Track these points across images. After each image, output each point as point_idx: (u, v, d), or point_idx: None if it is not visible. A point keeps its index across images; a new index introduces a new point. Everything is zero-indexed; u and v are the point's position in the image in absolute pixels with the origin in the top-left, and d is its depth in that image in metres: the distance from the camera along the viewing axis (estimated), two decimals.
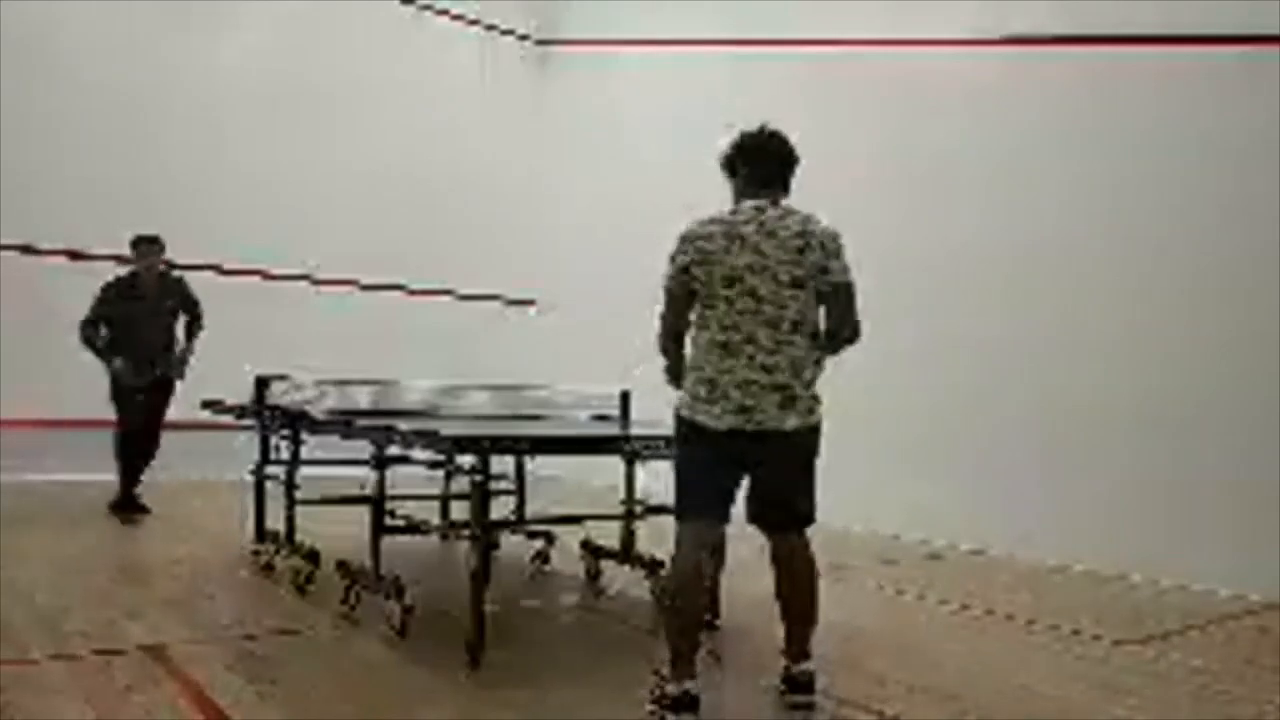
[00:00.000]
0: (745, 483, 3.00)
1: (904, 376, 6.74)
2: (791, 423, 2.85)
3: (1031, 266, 6.21)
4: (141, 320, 5.93)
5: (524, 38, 10.73)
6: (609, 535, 4.66)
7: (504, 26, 10.61)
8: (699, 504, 2.92)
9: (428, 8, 10.07)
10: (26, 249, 7.71)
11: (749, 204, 2.96)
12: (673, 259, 2.96)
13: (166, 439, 6.53)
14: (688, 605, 2.85)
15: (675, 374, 3.06)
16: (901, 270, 6.87)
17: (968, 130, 6.64)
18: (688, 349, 3.01)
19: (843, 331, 2.98)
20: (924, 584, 5.14)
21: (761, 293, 2.83)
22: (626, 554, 4.64)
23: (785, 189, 3.04)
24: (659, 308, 3.03)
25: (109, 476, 6.50)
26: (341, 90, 9.40)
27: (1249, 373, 5.16)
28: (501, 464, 4.32)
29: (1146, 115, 5.74)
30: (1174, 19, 5.62)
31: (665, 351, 3.06)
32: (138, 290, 5.97)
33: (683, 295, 2.95)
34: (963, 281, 6.56)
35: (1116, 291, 5.81)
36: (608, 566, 4.77)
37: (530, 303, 10.33)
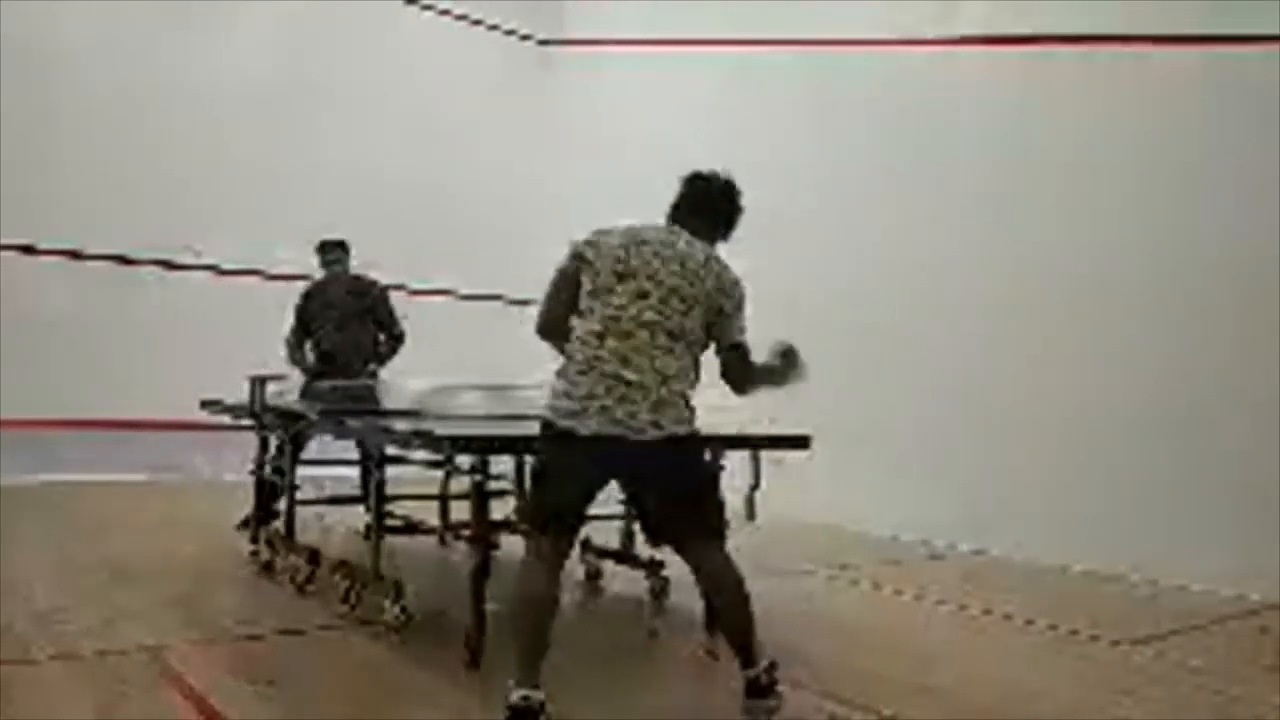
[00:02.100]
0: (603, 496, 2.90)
1: (904, 377, 6.75)
2: (659, 431, 2.72)
3: (1032, 267, 6.20)
4: (325, 319, 5.80)
5: (525, 38, 10.72)
6: (609, 535, 4.66)
7: (504, 26, 10.60)
8: (546, 515, 2.81)
9: (429, 8, 10.07)
10: (26, 249, 7.72)
11: (658, 225, 2.94)
12: (571, 248, 2.90)
13: (166, 438, 6.53)
14: (536, 619, 2.72)
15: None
16: (902, 271, 6.89)
17: (969, 130, 6.64)
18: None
19: (741, 390, 2.95)
20: (924, 584, 5.14)
21: (649, 296, 2.75)
22: (626, 554, 4.64)
23: (708, 238, 2.97)
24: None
25: (109, 476, 6.51)
26: (341, 90, 9.40)
27: (1249, 373, 5.15)
28: (501, 464, 4.32)
29: (1146, 116, 5.74)
30: (1175, 19, 5.62)
31: (547, 337, 2.98)
32: (327, 296, 5.89)
33: (567, 284, 2.87)
34: (963, 282, 6.56)
35: (1117, 292, 5.81)
36: (607, 566, 4.77)
37: (530, 303, 10.33)
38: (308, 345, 5.89)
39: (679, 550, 2.93)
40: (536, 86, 10.58)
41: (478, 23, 10.41)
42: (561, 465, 2.78)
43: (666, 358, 2.76)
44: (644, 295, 2.75)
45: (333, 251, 5.99)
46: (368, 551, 3.97)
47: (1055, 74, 6.19)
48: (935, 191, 6.80)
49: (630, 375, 2.71)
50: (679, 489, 2.85)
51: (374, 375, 5.86)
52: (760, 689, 2.85)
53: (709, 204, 3.03)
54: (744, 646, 2.87)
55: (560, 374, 2.81)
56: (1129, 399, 5.63)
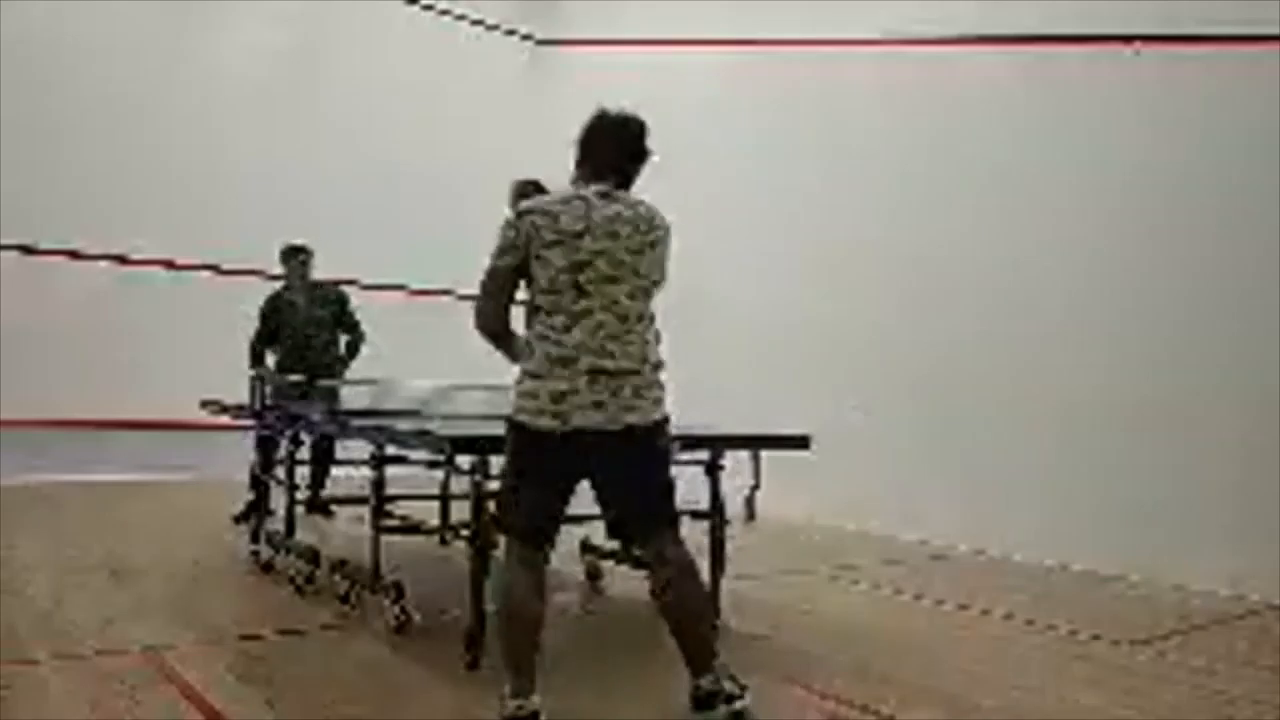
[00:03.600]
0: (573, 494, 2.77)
1: (903, 377, 6.75)
2: (644, 416, 2.64)
3: (1032, 267, 6.21)
4: (295, 328, 5.92)
5: (525, 38, 10.73)
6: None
7: (505, 27, 10.61)
8: (534, 523, 2.69)
9: (429, 8, 10.07)
10: (26, 249, 7.71)
11: (594, 187, 2.72)
12: (503, 240, 2.68)
13: (165, 438, 6.52)
14: (528, 635, 2.62)
15: (516, 353, 2.76)
16: (902, 270, 6.89)
17: (967, 130, 6.64)
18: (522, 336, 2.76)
19: None
20: (924, 584, 5.14)
21: (615, 279, 2.63)
22: (626, 554, 4.64)
23: (629, 183, 2.79)
24: (478, 290, 2.73)
25: (108, 476, 6.49)
26: (341, 90, 9.40)
27: (1249, 373, 5.15)
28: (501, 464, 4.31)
29: (1144, 114, 5.74)
30: (1174, 19, 5.62)
31: (495, 337, 2.76)
32: (289, 299, 5.98)
33: (511, 275, 2.68)
34: (963, 281, 6.56)
35: (1117, 292, 5.81)
36: (608, 566, 4.77)
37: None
38: (270, 354, 5.96)
39: (641, 543, 2.80)
40: (535, 86, 10.59)
41: (477, 22, 10.41)
42: (542, 467, 2.66)
43: (640, 340, 2.67)
44: (612, 280, 2.63)
45: (297, 256, 6.01)
46: (367, 550, 3.96)
47: (1053, 73, 6.19)
48: (934, 191, 6.80)
49: (610, 365, 2.60)
50: (657, 475, 2.74)
51: (340, 376, 5.96)
52: (709, 699, 2.67)
53: (636, 154, 2.80)
54: (702, 646, 2.70)
55: (530, 372, 2.64)
56: (1129, 399, 5.63)
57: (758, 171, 7.79)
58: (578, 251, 2.61)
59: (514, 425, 2.68)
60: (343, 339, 6.17)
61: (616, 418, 2.61)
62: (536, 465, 2.67)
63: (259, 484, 5.31)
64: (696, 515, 3.66)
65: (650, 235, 2.72)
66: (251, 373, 5.32)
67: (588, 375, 2.59)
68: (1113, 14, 5.89)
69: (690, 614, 2.72)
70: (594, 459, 2.66)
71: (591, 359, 2.60)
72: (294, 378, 5.50)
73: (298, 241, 6.09)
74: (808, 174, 7.49)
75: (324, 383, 5.36)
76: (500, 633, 2.69)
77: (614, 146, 2.79)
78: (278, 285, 6.21)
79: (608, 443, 2.62)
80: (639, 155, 2.81)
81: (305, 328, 5.93)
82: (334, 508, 5.87)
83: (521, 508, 2.70)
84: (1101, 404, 5.75)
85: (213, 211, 8.40)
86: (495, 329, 2.75)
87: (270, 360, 5.93)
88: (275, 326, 5.93)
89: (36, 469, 7.03)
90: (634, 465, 2.70)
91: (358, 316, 6.20)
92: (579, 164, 2.81)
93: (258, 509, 5.09)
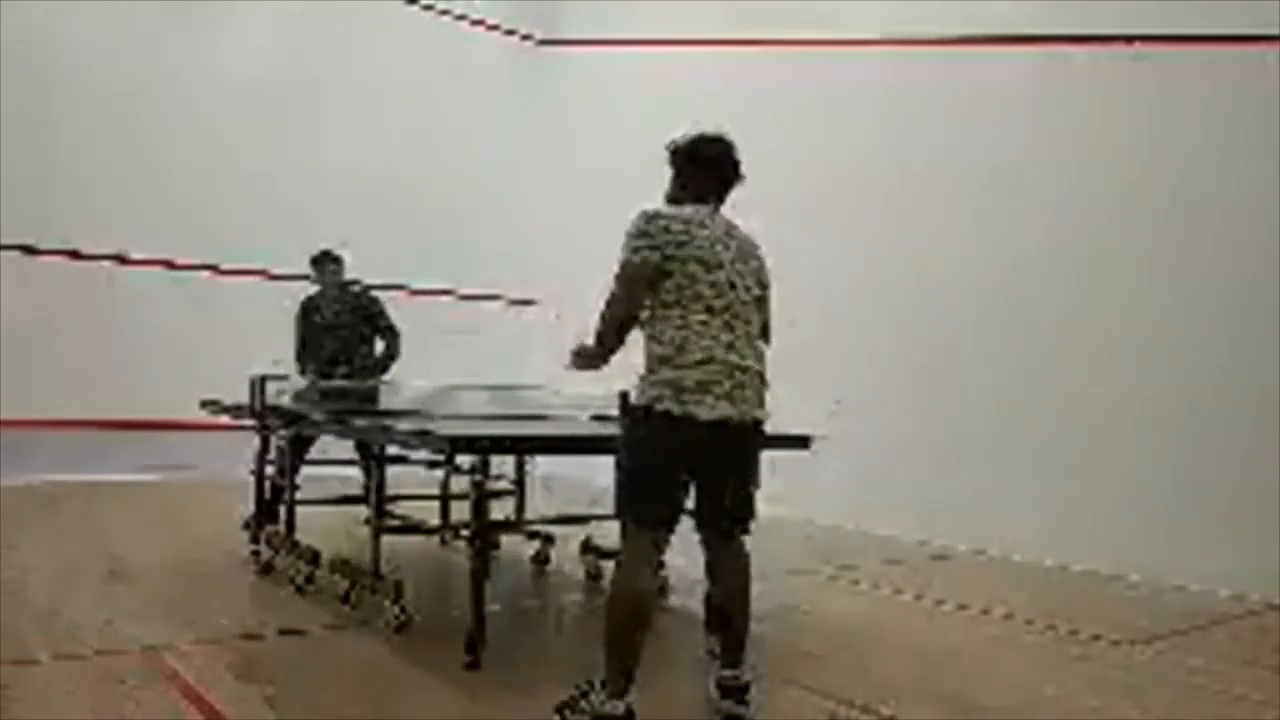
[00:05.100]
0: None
1: (903, 376, 6.75)
2: (763, 411, 2.84)
3: (1032, 267, 6.21)
4: (318, 334, 5.87)
5: (525, 38, 10.73)
6: (609, 535, 4.66)
7: (504, 26, 10.61)
8: (663, 509, 2.72)
9: (428, 7, 10.07)
10: (26, 249, 7.72)
11: (702, 207, 2.89)
12: (639, 237, 2.74)
13: (165, 438, 6.52)
14: (642, 623, 2.66)
15: (603, 361, 2.84)
16: (902, 270, 6.89)
17: (966, 130, 6.64)
18: (647, 341, 2.82)
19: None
20: (924, 584, 5.14)
21: (739, 286, 2.81)
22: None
23: (722, 204, 3.00)
24: (610, 293, 2.78)
25: (108, 476, 6.48)
26: (341, 90, 9.40)
27: (1249, 373, 5.16)
28: (501, 464, 4.32)
29: (1145, 115, 5.74)
30: (1175, 19, 5.62)
31: (608, 340, 2.80)
32: (316, 304, 5.98)
33: (646, 279, 2.73)
34: (964, 282, 6.56)
35: (1117, 292, 5.81)
36: (608, 567, 4.77)
37: (531, 303, 10.32)
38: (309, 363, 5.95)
39: (714, 531, 2.90)
40: (536, 86, 10.59)
41: (477, 23, 10.41)
42: (676, 454, 2.71)
43: (759, 344, 2.87)
44: (733, 285, 2.79)
45: (326, 263, 5.98)
46: (368, 550, 3.97)
47: (1055, 73, 6.19)
48: (934, 191, 6.81)
49: (742, 362, 2.76)
50: (756, 474, 2.91)
51: (368, 378, 5.92)
52: (743, 691, 2.84)
53: (735, 169, 3.00)
54: (740, 643, 2.87)
55: (667, 362, 2.70)
56: (1129, 399, 5.63)
57: (756, 172, 7.78)
58: (708, 256, 2.76)
59: (649, 413, 2.70)
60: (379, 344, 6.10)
61: (746, 412, 2.76)
62: (670, 451, 2.71)
63: (275, 486, 5.20)
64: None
65: (756, 255, 2.94)
66: (301, 378, 5.42)
67: (725, 368, 2.72)
68: (1113, 14, 5.89)
69: (739, 607, 2.89)
70: (716, 449, 2.74)
71: (726, 354, 2.73)
72: (300, 378, 5.48)
73: (326, 247, 6.04)
74: (807, 173, 7.48)
75: (326, 384, 5.35)
76: (611, 626, 2.67)
77: (714, 169, 2.98)
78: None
79: (734, 434, 2.74)
80: (733, 179, 3.01)
81: (330, 330, 5.89)
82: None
83: (651, 494, 2.73)
84: (1101, 404, 5.75)
85: (213, 211, 8.40)
86: (616, 333, 2.81)
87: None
88: (305, 330, 5.91)
89: (36, 469, 7.03)
90: (742, 459, 2.84)
91: (391, 318, 6.13)
92: (679, 185, 2.98)
93: (272, 510, 5.02)
